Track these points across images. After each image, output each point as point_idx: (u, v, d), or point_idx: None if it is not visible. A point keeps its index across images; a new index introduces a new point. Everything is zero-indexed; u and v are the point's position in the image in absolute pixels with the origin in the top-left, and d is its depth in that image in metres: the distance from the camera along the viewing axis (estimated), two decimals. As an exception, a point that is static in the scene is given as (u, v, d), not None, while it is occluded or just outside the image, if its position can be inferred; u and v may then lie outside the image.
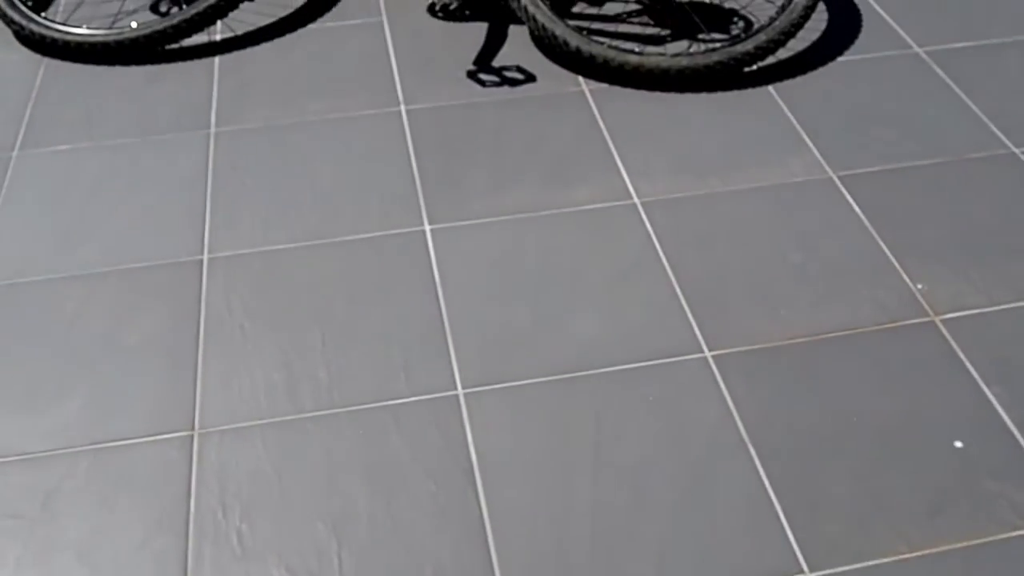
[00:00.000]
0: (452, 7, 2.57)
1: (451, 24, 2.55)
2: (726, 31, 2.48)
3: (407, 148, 2.16)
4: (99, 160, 2.16)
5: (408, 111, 2.27)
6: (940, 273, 1.86)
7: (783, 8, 2.34)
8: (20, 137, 2.23)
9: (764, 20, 2.39)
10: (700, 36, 2.44)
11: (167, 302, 1.83)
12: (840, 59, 2.41)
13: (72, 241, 1.97)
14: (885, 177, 2.07)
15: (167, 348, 1.75)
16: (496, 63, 2.41)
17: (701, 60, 2.27)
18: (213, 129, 2.23)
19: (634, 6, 2.54)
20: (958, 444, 1.56)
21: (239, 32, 2.53)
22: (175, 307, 1.82)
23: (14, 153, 2.19)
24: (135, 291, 1.86)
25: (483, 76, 2.36)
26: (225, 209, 2.03)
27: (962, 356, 1.70)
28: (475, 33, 2.52)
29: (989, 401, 1.62)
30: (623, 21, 2.51)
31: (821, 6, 2.48)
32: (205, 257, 1.92)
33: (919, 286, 1.83)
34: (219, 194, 2.06)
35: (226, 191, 2.07)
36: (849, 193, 2.03)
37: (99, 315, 1.81)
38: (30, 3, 2.60)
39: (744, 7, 2.56)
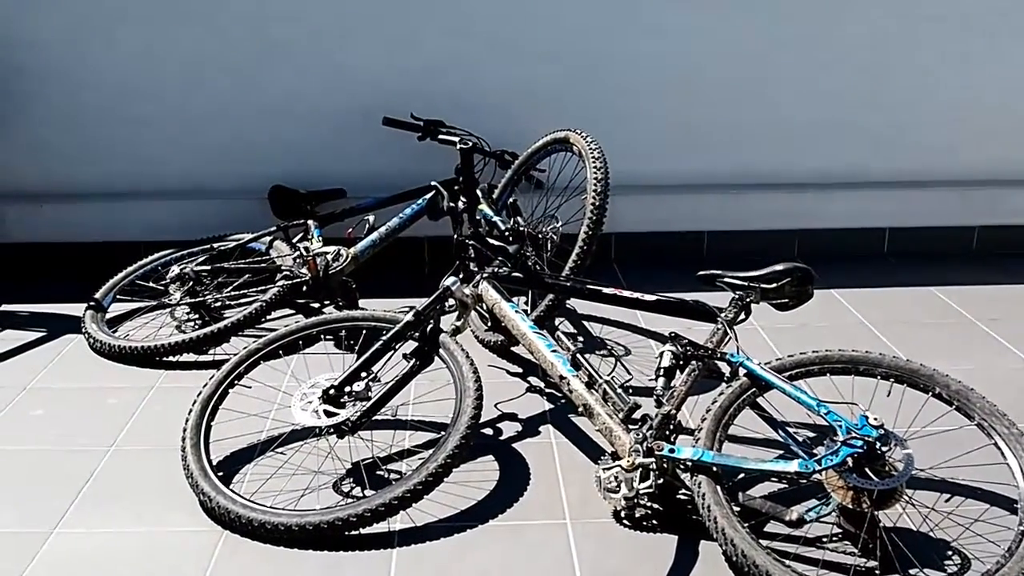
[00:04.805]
0: (638, 515, 2.46)
1: (638, 534, 2.42)
2: (940, 568, 2.26)
3: None
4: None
5: (594, 637, 2.08)
6: None
7: (1011, 552, 2.14)
8: (186, 624, 2.14)
9: (987, 557, 2.19)
10: (911, 573, 2.23)
11: None
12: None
13: None
14: None
15: None
16: (689, 586, 2.24)
17: (922, 608, 2.04)
18: (384, 638, 2.09)
19: (836, 530, 2.37)
20: None
21: (418, 523, 2.48)
22: None
23: (175, 645, 2.09)
24: None
25: (674, 602, 2.18)
26: None
27: None
28: (664, 547, 2.36)
29: None
30: (824, 547, 2.34)
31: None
32: None
33: None
34: None
35: None
36: None
37: None
38: (221, 473, 2.66)
39: (955, 540, 2.36)
